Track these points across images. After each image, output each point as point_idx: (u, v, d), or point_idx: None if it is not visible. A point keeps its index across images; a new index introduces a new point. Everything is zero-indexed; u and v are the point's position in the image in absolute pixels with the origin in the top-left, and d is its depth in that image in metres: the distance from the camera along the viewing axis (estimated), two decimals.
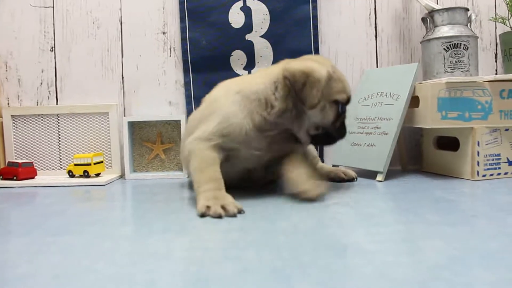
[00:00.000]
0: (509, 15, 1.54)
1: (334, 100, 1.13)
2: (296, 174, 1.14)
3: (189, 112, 1.65)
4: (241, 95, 1.14)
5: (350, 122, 1.53)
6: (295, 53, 1.60)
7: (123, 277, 0.61)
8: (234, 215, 0.96)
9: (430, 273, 0.59)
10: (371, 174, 1.47)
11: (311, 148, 1.42)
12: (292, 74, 1.08)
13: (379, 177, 1.37)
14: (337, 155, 1.55)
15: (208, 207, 0.98)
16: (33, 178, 1.59)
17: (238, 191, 1.26)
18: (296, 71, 1.07)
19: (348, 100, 1.18)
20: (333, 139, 1.20)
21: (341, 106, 1.15)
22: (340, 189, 1.26)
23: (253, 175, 1.24)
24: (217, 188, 1.04)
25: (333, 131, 1.17)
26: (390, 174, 1.47)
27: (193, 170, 1.10)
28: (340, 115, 1.16)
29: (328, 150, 1.66)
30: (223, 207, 0.97)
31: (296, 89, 1.08)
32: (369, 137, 1.44)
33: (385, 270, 0.61)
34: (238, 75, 1.63)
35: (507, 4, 1.52)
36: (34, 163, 1.65)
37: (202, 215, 0.97)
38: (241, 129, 1.11)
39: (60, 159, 1.68)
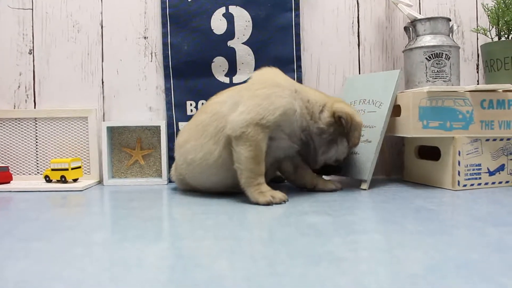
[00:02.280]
0: (491, 27, 1.54)
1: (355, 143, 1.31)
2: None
3: (169, 118, 1.63)
4: (299, 96, 1.25)
5: None
6: (277, 60, 1.60)
7: (90, 284, 0.59)
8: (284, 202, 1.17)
9: (406, 282, 0.58)
10: (355, 183, 1.46)
11: None
12: (346, 116, 1.26)
13: (363, 186, 1.36)
14: None
15: (272, 196, 1.15)
16: (8, 183, 1.56)
17: (217, 199, 1.25)
18: (348, 114, 1.26)
19: None
20: (336, 172, 1.42)
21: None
22: (321, 197, 1.25)
23: (269, 170, 1.30)
24: (265, 182, 1.19)
25: (341, 166, 1.39)
26: (372, 183, 1.46)
27: (246, 157, 1.16)
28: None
29: None
30: (273, 197, 1.16)
31: (347, 128, 1.27)
32: None
33: (360, 280, 0.59)
34: (219, 81, 1.62)
35: (488, 16, 1.53)
36: (10, 168, 1.61)
37: (268, 204, 1.14)
38: (295, 126, 1.23)
39: (37, 164, 1.65)
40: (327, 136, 1.28)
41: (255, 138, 1.15)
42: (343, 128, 1.27)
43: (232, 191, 1.29)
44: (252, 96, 1.20)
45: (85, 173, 1.64)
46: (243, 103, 1.19)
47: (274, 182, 1.51)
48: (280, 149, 1.26)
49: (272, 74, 1.27)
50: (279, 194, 1.17)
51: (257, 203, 1.15)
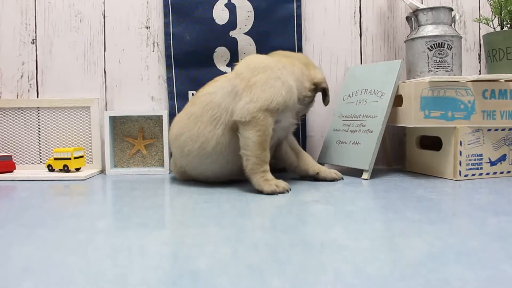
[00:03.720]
0: (493, 16, 1.54)
1: None
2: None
3: (171, 107, 1.64)
4: (289, 70, 1.28)
5: (334, 119, 1.53)
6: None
7: (94, 271, 0.60)
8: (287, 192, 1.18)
9: (406, 269, 0.58)
10: (356, 172, 1.46)
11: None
12: (327, 86, 1.38)
13: (365, 175, 1.36)
14: (322, 153, 1.54)
15: (277, 185, 1.16)
16: (12, 172, 1.57)
17: (219, 188, 1.25)
18: (327, 83, 1.38)
19: None
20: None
21: None
22: (323, 187, 1.25)
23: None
24: (269, 170, 1.21)
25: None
26: (374, 173, 1.46)
27: (254, 142, 1.17)
28: None
29: (313, 147, 1.66)
30: (277, 186, 1.17)
31: (327, 93, 1.40)
32: (354, 134, 1.43)
33: (361, 267, 0.60)
34: (221, 71, 1.62)
35: (491, 5, 1.52)
36: (13, 157, 1.62)
37: (272, 193, 1.15)
38: (295, 100, 1.26)
39: (40, 153, 1.66)
40: (309, 99, 1.36)
41: (264, 123, 1.16)
42: (319, 92, 1.40)
43: (232, 179, 1.29)
44: (249, 85, 1.20)
45: (88, 163, 1.65)
46: (245, 93, 1.19)
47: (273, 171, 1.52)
48: (283, 129, 1.29)
49: (256, 59, 1.27)
50: (282, 184, 1.18)
51: (262, 191, 1.16)
